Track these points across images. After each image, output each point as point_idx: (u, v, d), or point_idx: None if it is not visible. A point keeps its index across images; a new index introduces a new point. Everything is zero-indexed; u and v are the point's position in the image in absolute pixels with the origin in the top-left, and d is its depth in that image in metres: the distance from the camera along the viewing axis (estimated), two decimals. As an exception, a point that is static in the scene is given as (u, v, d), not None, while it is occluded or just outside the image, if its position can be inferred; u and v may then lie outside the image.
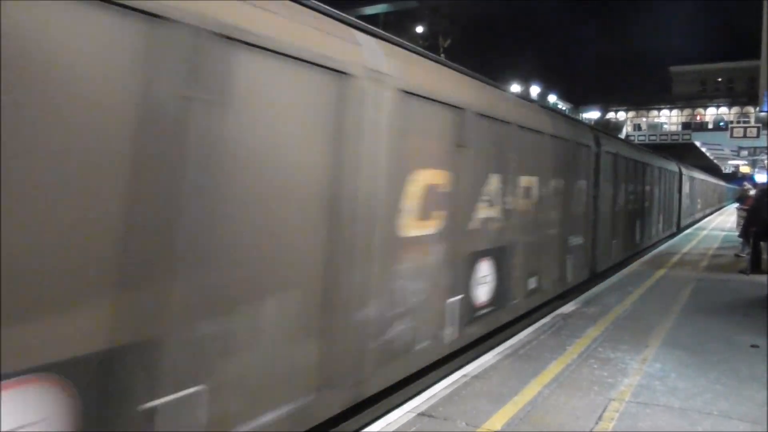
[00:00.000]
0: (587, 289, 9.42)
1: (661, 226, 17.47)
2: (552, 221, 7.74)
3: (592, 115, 63.37)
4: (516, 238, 6.47)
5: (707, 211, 34.09)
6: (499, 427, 3.95)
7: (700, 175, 29.72)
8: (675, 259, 13.69)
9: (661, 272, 11.45)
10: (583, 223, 9.20)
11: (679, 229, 21.46)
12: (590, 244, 9.71)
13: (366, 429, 3.91)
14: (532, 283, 7.11)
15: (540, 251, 7.33)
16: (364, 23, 4.26)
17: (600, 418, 4.17)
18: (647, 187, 14.75)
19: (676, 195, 20.47)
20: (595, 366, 5.39)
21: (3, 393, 1.92)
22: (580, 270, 9.25)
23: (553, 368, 5.29)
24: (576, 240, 8.89)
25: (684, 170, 22.43)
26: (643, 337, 6.45)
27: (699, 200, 29.10)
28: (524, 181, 6.68)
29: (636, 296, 8.94)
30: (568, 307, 8.02)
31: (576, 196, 8.79)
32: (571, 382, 4.93)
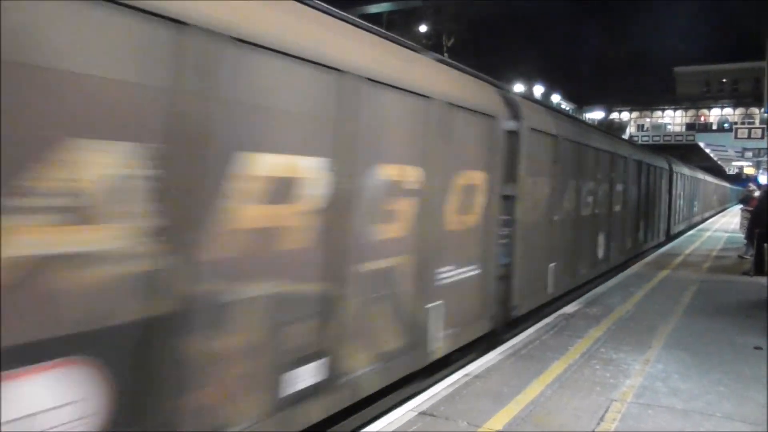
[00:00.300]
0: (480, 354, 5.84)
1: (642, 235, 14.06)
2: (381, 246, 4.13)
3: (596, 115, 63.22)
4: (225, 290, 2.91)
5: (706, 215, 31.29)
6: (500, 427, 3.94)
7: (697, 174, 26.45)
8: (678, 260, 13.64)
9: (664, 273, 11.42)
10: (479, 242, 5.68)
11: (670, 238, 18.34)
12: (498, 275, 6.21)
13: (367, 428, 3.91)
14: (306, 376, 3.48)
15: (338, 307, 3.71)
16: None
17: (602, 419, 4.17)
18: (619, 186, 11.31)
19: (666, 196, 17.26)
20: (598, 366, 5.38)
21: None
22: (466, 323, 5.48)
23: (556, 368, 5.28)
24: (461, 271, 5.38)
25: (676, 167, 19.14)
26: (645, 338, 6.43)
27: (696, 203, 25.89)
28: (270, 165, 3.15)
29: (639, 297, 8.92)
30: (571, 308, 8.01)
31: (459, 198, 5.22)
32: (573, 382, 4.92)
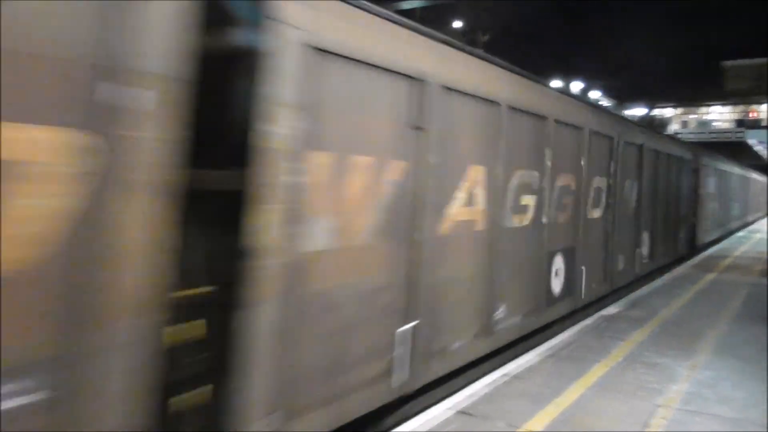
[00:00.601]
0: None
1: (645, 251, 10.14)
2: None
3: (638, 111, 61.40)
4: None
5: (750, 218, 26.50)
6: (540, 428, 3.87)
7: (737, 169, 21.75)
8: (726, 262, 13.11)
9: (711, 276, 10.99)
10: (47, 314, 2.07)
11: (696, 249, 14.37)
12: (177, 382, 2.76)
13: (405, 424, 3.90)
14: None
15: None
16: None
17: (646, 424, 4.03)
18: (598, 181, 7.72)
19: (690, 196, 13.67)
20: (641, 370, 5.21)
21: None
22: None
23: (596, 371, 5.15)
24: None
25: (706, 160, 15.28)
26: (691, 343, 6.20)
27: (735, 204, 21.42)
28: None
29: (684, 300, 8.61)
30: (612, 309, 7.80)
31: None
32: (615, 386, 4.79)
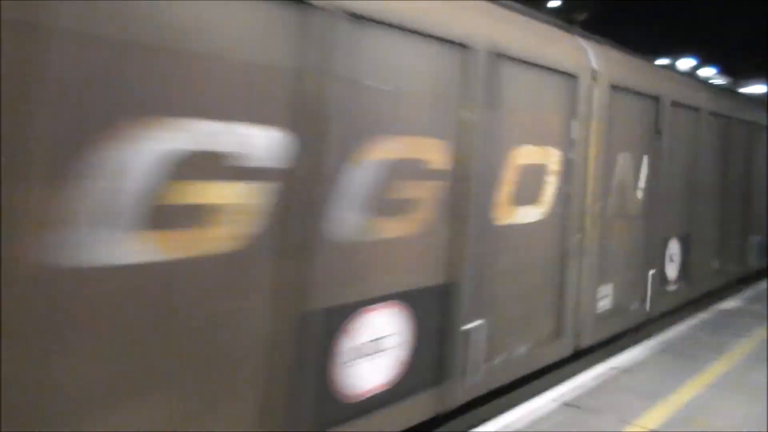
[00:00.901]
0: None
1: (673, 270, 6.40)
2: None
3: (757, 89, 55.25)
4: None
5: None
6: (653, 426, 3.68)
7: None
8: None
9: None
10: None
11: None
12: None
13: (507, 414, 3.86)
14: None
15: None
16: None
17: (778, 429, 3.70)
18: (539, 153, 4.24)
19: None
20: (769, 371, 4.78)
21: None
22: None
23: (715, 369, 4.79)
24: None
25: None
26: (829, 344, 5.57)
27: None
28: None
29: (818, 296, 7.73)
30: (731, 303, 7.18)
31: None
32: (737, 386, 4.43)
